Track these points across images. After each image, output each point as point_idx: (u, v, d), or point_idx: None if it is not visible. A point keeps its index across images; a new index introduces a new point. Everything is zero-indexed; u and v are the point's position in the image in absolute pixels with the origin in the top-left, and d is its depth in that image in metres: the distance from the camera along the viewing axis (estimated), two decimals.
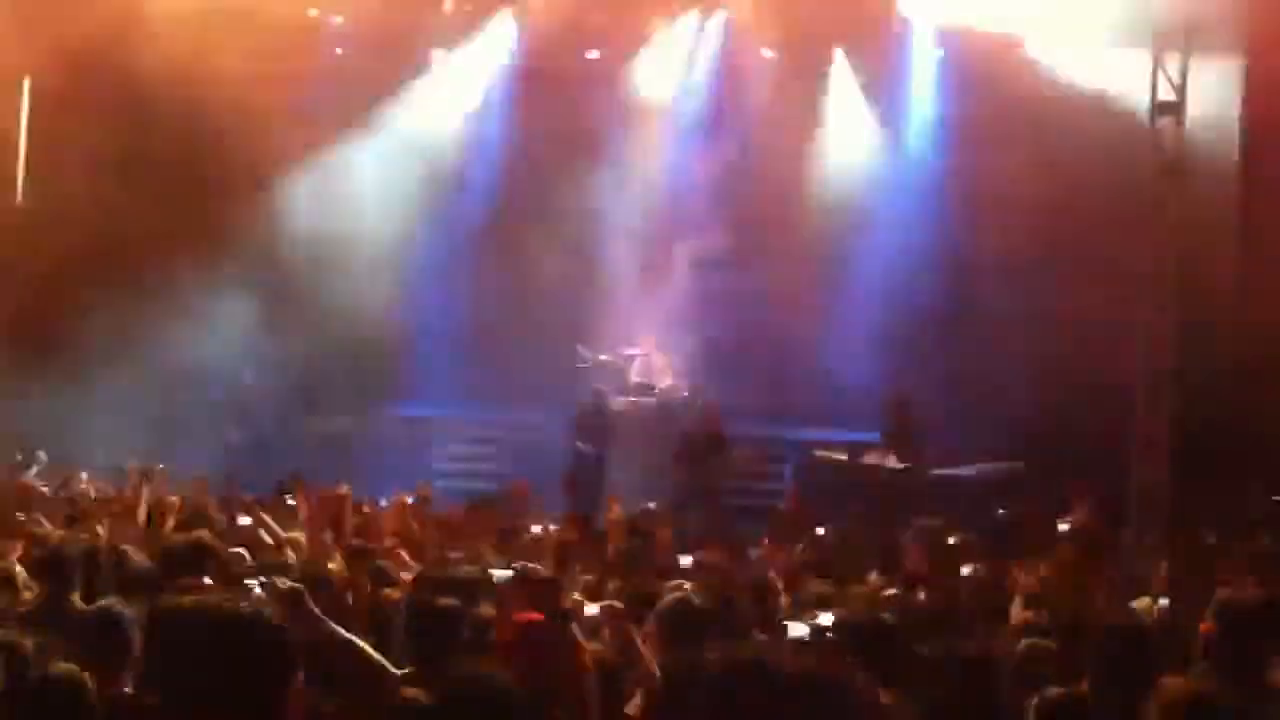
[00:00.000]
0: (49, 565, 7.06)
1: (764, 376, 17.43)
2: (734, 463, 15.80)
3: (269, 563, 8.04)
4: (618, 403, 17.37)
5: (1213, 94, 14.26)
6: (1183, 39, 13.51)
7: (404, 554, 9.05)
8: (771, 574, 8.69)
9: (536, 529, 11.06)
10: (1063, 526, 10.44)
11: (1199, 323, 14.12)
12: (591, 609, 6.78)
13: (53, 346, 15.97)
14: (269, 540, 9.30)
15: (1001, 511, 11.95)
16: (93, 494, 11.85)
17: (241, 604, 3.58)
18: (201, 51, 15.74)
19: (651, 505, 12.36)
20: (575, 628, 6.26)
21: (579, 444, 16.12)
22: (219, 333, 16.24)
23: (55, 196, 16.78)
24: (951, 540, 10.18)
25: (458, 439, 18.13)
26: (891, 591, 8.15)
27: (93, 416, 14.87)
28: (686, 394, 16.98)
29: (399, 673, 5.75)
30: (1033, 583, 8.41)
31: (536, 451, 16.79)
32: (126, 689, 5.50)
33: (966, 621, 7.51)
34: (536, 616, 6.27)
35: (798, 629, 6.46)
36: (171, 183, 17.04)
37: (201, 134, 16.57)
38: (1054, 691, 5.90)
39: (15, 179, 17.69)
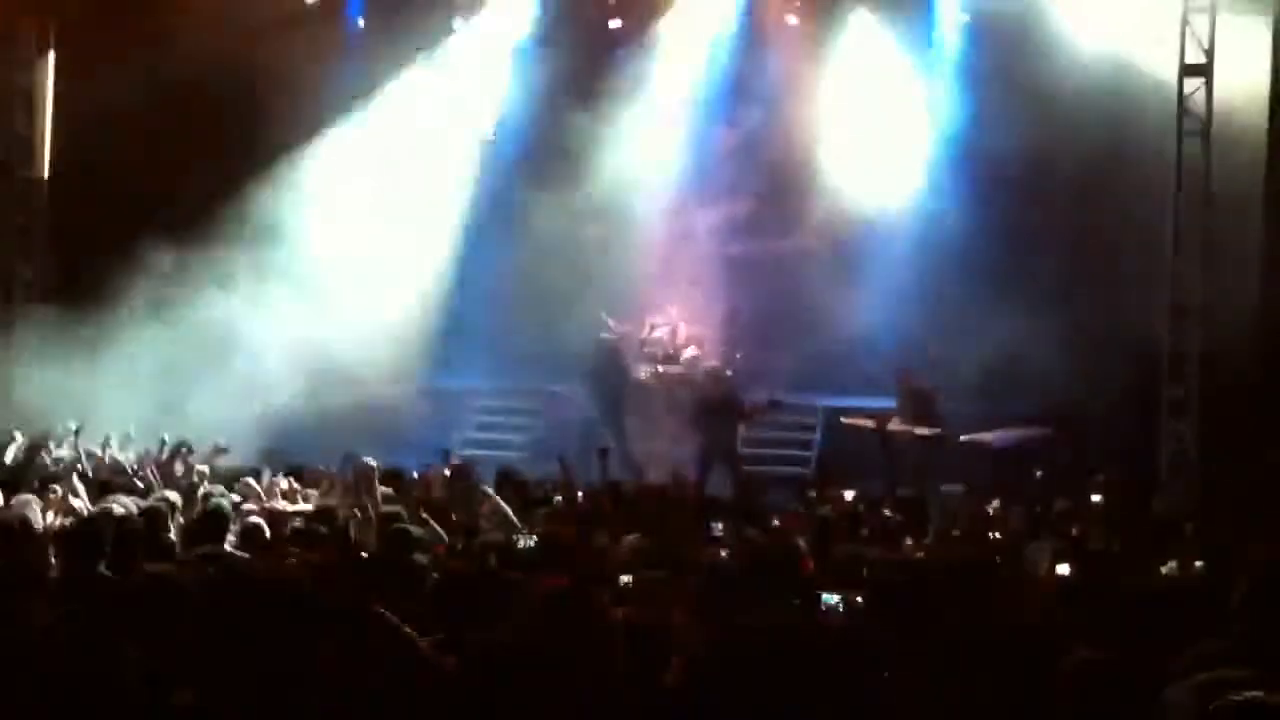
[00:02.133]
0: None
1: (790, 344, 17.40)
2: (749, 419, 15.79)
3: None
4: (644, 371, 17.40)
5: (1243, 56, 14.06)
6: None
7: (434, 523, 9.10)
8: (800, 541, 8.73)
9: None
10: (1095, 498, 10.40)
11: (1227, 289, 14.00)
12: (625, 577, 6.79)
13: (81, 317, 16.07)
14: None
15: (1039, 474, 11.91)
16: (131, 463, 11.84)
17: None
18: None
19: (679, 473, 12.34)
20: (603, 594, 6.29)
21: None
22: (247, 303, 16.29)
23: (82, 164, 16.86)
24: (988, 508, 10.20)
25: (487, 410, 18.17)
26: (921, 554, 8.14)
27: (121, 388, 14.95)
28: (712, 363, 16.97)
29: (427, 640, 5.78)
30: (1064, 545, 8.41)
31: (566, 421, 16.84)
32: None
33: (997, 582, 7.50)
34: (562, 581, 6.30)
35: (830, 597, 6.46)
36: (201, 151, 17.15)
37: (233, 103, 16.71)
38: (1085, 653, 5.91)
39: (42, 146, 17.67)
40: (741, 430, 15.69)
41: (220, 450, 11.87)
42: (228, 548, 7.89)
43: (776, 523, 10.10)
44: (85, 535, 7.14)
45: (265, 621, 5.67)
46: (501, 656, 5.42)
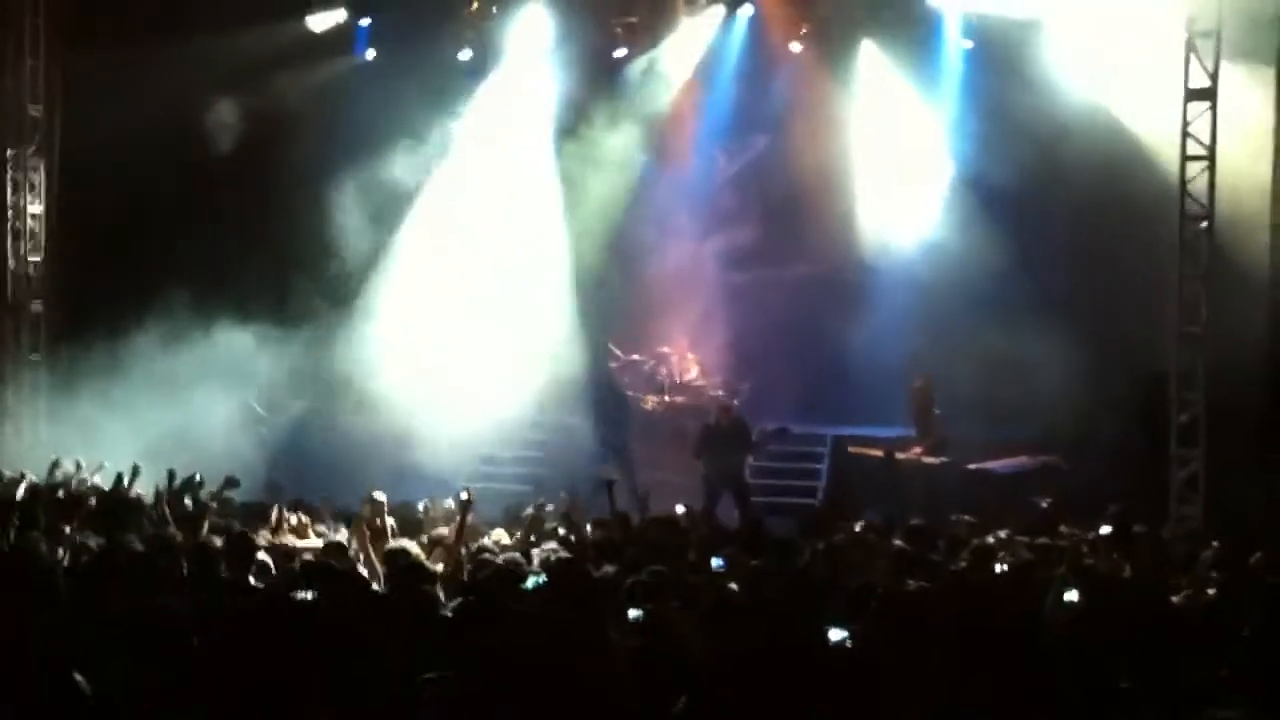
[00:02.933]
0: None
1: (796, 372, 17.39)
2: (757, 450, 15.75)
3: None
4: (650, 400, 17.40)
5: (1247, 81, 14.07)
6: (1216, 19, 13.33)
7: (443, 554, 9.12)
8: (810, 569, 8.71)
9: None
10: (1105, 529, 10.34)
11: (1233, 308, 13.96)
12: (634, 611, 6.76)
13: (91, 354, 16.13)
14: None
15: (1045, 504, 11.86)
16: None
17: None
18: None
19: (684, 504, 12.28)
20: (612, 626, 6.29)
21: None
22: (260, 337, 16.33)
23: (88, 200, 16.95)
24: (990, 539, 10.15)
25: (495, 442, 18.12)
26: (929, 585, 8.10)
27: (131, 423, 14.98)
28: (719, 393, 16.96)
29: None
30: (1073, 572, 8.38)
31: (575, 452, 16.79)
32: None
33: (1004, 613, 7.47)
34: (571, 616, 6.31)
35: (837, 633, 6.42)
36: (227, 185, 17.24)
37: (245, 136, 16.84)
38: (1101, 680, 5.90)
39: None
40: (750, 460, 15.65)
41: (231, 483, 11.86)
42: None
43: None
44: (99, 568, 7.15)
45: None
46: (511, 690, 5.41)
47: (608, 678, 5.77)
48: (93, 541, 8.94)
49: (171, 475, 11.77)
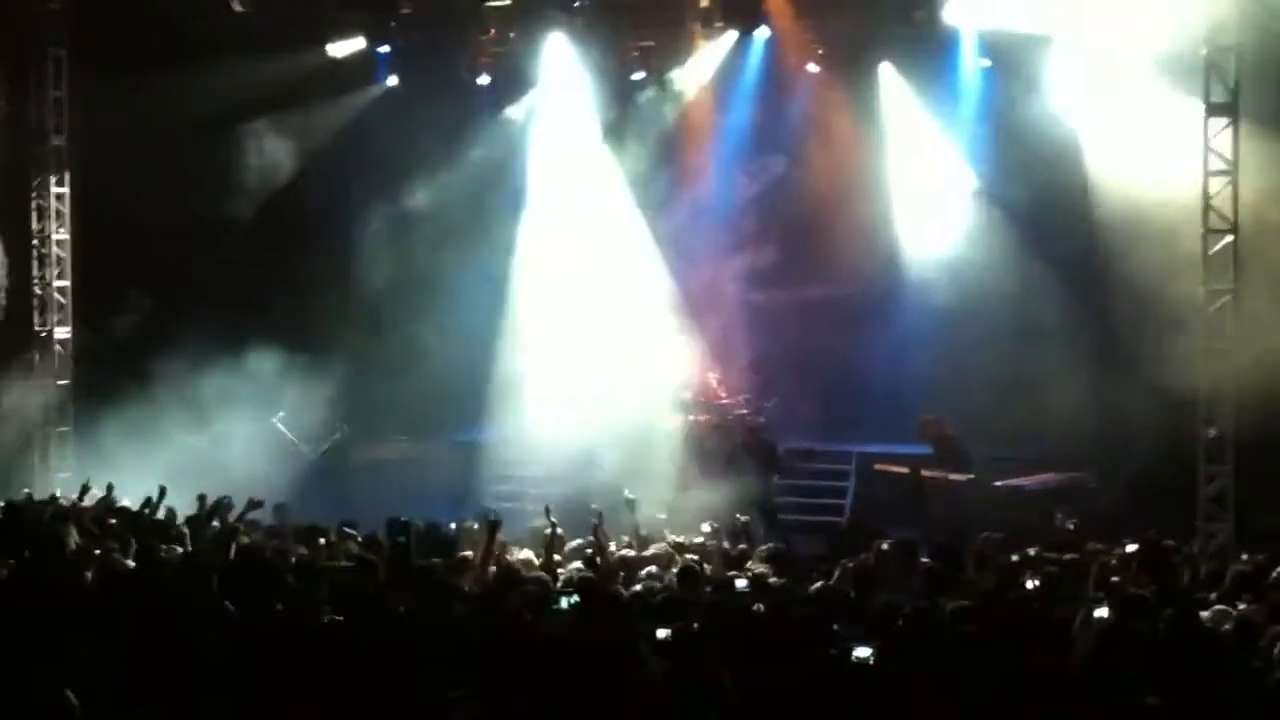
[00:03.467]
0: None
1: (820, 391, 17.38)
2: (784, 469, 15.74)
3: None
4: (673, 421, 17.36)
5: (1266, 94, 14.02)
6: (1235, 34, 13.30)
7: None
8: (837, 588, 8.69)
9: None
10: (1130, 547, 10.28)
11: (1260, 322, 13.87)
12: (662, 631, 6.76)
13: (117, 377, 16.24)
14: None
15: (1070, 526, 11.80)
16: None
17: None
18: None
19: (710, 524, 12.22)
20: (642, 646, 6.28)
21: None
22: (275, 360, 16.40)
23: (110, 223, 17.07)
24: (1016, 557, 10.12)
25: (515, 463, 18.11)
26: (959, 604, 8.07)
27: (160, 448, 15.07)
28: (745, 411, 16.93)
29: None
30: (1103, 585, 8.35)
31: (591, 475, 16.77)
32: None
33: (1031, 632, 7.44)
34: (604, 637, 6.30)
35: (862, 651, 6.41)
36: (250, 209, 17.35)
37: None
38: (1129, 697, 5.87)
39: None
40: (776, 480, 15.63)
41: (255, 504, 11.89)
42: None
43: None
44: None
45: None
46: (542, 712, 5.42)
47: (641, 698, 5.76)
48: (124, 562, 8.99)
49: (202, 499, 11.85)
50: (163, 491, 11.96)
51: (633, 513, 11.44)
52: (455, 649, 6.54)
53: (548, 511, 10.81)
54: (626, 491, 11.74)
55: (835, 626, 7.30)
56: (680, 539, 11.33)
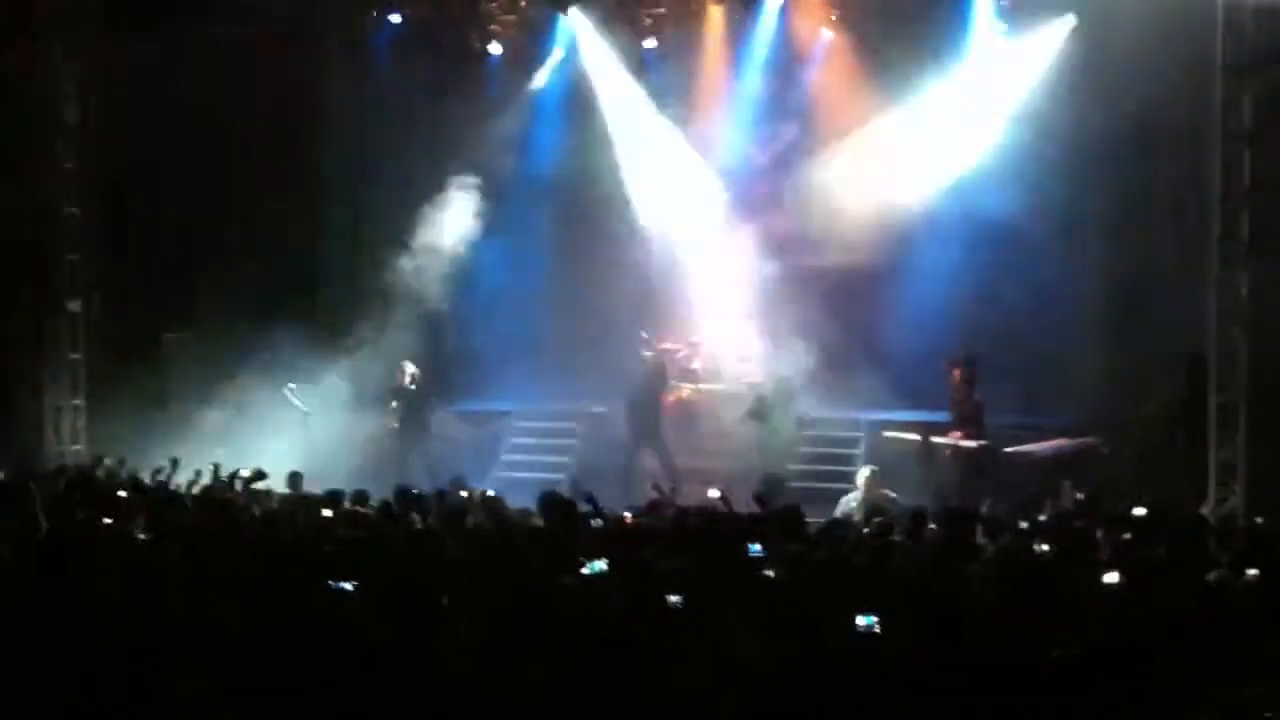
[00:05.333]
0: None
1: (832, 359, 17.36)
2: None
3: None
4: (685, 389, 17.40)
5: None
6: None
7: None
8: (849, 555, 8.69)
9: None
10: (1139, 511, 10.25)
11: (1274, 289, 13.79)
12: (674, 598, 6.76)
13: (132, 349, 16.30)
14: None
15: (1079, 496, 11.76)
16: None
17: None
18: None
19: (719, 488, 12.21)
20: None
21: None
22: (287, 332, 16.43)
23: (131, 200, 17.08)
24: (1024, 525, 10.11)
25: (526, 432, 18.17)
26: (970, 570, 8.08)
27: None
28: (753, 380, 16.93)
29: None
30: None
31: (605, 442, 16.83)
32: None
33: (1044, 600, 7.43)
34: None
35: (864, 620, 6.40)
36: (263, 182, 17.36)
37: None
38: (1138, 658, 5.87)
39: None
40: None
41: (260, 475, 11.94)
42: None
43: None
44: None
45: None
46: (570, 679, 5.43)
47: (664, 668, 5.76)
48: (139, 534, 9.03)
49: (216, 469, 11.90)
50: (175, 463, 12.01)
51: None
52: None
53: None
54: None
55: (848, 594, 7.30)
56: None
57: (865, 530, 9.84)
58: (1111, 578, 7.63)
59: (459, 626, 6.28)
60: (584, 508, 10.02)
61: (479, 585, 7.24)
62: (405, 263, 17.59)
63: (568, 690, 5.30)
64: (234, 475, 11.92)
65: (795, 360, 15.88)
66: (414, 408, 16.53)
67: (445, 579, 7.45)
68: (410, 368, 16.57)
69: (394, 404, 16.54)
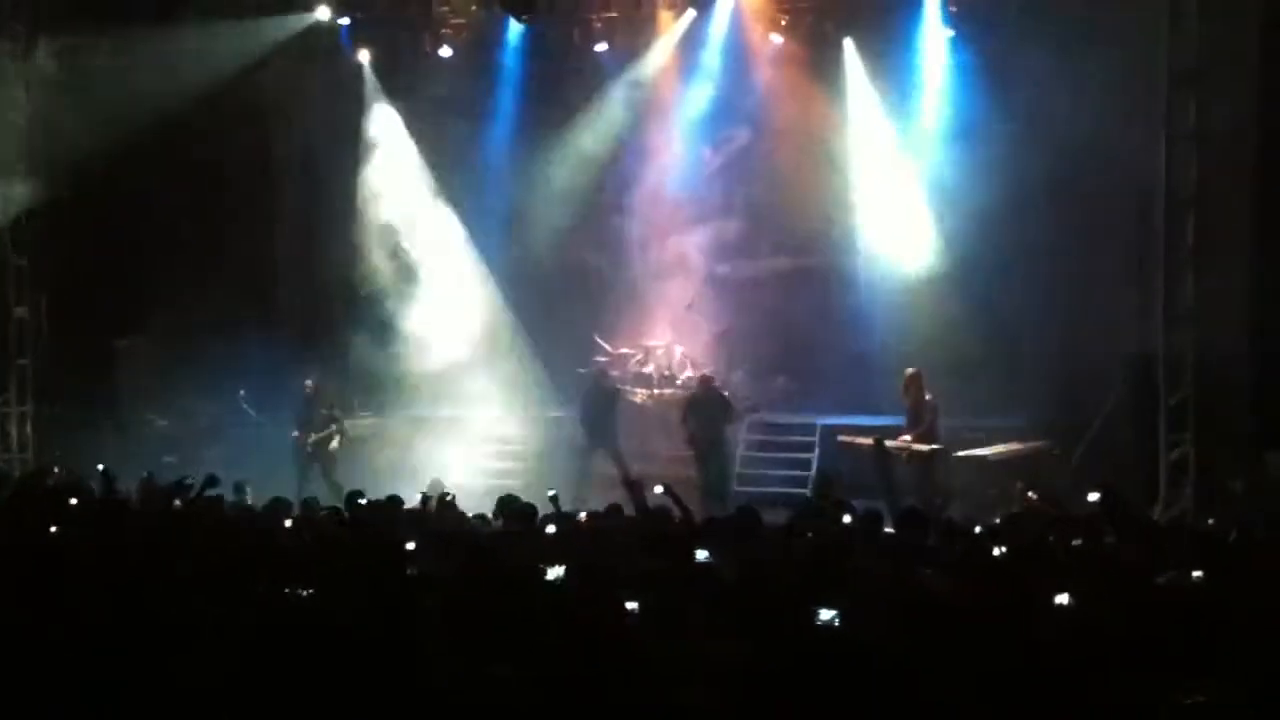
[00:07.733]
0: None
1: (785, 363, 17.45)
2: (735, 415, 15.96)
3: None
4: (639, 394, 17.39)
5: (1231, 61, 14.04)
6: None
7: None
8: (802, 557, 8.69)
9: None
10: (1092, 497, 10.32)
11: (1220, 289, 13.95)
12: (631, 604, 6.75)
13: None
14: None
15: (1031, 495, 11.85)
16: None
17: None
18: None
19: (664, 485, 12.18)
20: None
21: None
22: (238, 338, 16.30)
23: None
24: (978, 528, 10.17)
25: (475, 437, 18.07)
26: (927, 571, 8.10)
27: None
28: (703, 371, 16.98)
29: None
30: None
31: (556, 447, 16.79)
32: None
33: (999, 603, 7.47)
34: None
35: (827, 613, 6.42)
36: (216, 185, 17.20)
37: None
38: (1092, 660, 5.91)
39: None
40: (729, 426, 15.88)
41: (212, 482, 11.80)
42: None
43: None
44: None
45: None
46: (529, 687, 5.40)
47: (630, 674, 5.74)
48: (87, 542, 8.91)
49: (149, 476, 11.75)
50: (107, 473, 11.84)
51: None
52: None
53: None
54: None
55: (803, 594, 7.31)
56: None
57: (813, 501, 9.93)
58: (1062, 599, 7.63)
59: (424, 631, 6.25)
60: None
61: (439, 589, 7.21)
62: (361, 263, 17.51)
63: (536, 692, 5.27)
64: (180, 482, 11.77)
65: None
66: (309, 420, 16.41)
67: (405, 583, 7.41)
68: (309, 382, 16.47)
69: (301, 416, 16.47)
